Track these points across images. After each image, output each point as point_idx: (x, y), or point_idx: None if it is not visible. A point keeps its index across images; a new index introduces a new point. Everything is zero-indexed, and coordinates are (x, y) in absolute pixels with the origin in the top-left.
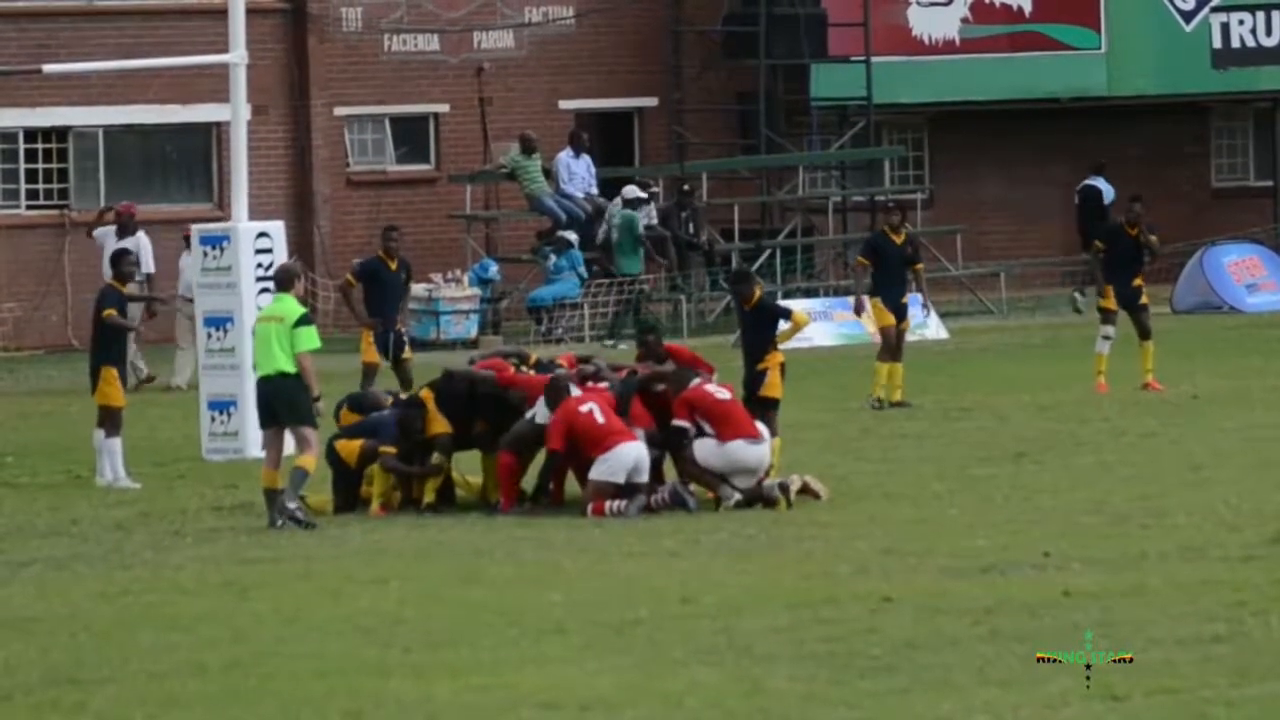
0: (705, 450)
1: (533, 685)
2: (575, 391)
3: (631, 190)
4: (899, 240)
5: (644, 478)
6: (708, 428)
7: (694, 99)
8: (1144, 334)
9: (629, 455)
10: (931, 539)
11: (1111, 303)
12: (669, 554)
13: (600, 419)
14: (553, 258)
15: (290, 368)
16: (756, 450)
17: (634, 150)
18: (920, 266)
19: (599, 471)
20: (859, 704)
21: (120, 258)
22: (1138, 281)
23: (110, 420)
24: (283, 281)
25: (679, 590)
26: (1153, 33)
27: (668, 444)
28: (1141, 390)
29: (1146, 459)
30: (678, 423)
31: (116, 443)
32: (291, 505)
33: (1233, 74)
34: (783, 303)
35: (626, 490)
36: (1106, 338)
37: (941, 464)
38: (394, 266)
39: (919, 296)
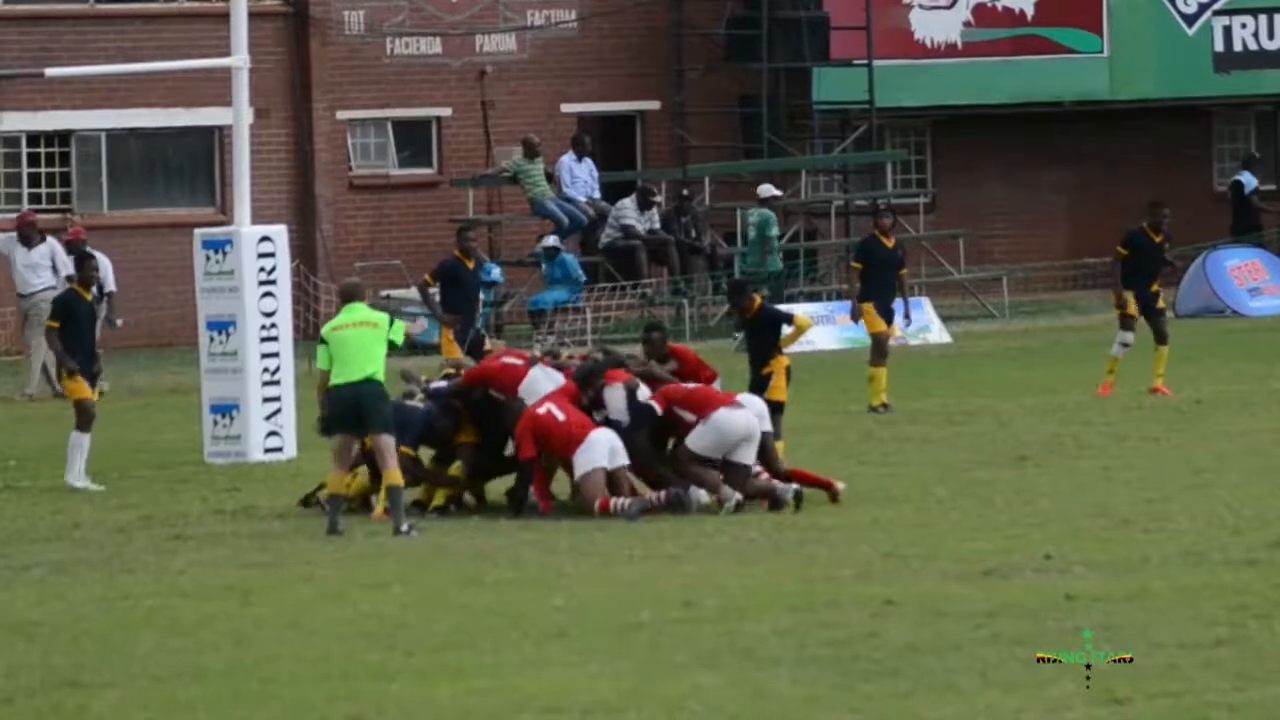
0: (695, 436)
1: (534, 689)
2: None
3: (766, 189)
4: (890, 244)
5: (623, 459)
6: (689, 416)
7: (696, 102)
8: (1160, 339)
9: (604, 438)
10: (933, 542)
11: (1134, 309)
12: (671, 558)
13: (560, 416)
14: (544, 265)
15: (382, 375)
16: (741, 415)
17: (636, 154)
18: (905, 272)
19: (582, 463)
20: (861, 707)
21: (84, 262)
22: (1155, 287)
23: (82, 415)
24: (352, 294)
25: (681, 594)
26: (1155, 36)
27: (636, 419)
28: (1149, 394)
29: (1149, 463)
30: (648, 402)
31: (86, 439)
32: (405, 527)
33: (1235, 77)
34: (783, 307)
35: (613, 479)
36: (1125, 344)
37: (944, 468)
38: (471, 265)
39: (921, 301)
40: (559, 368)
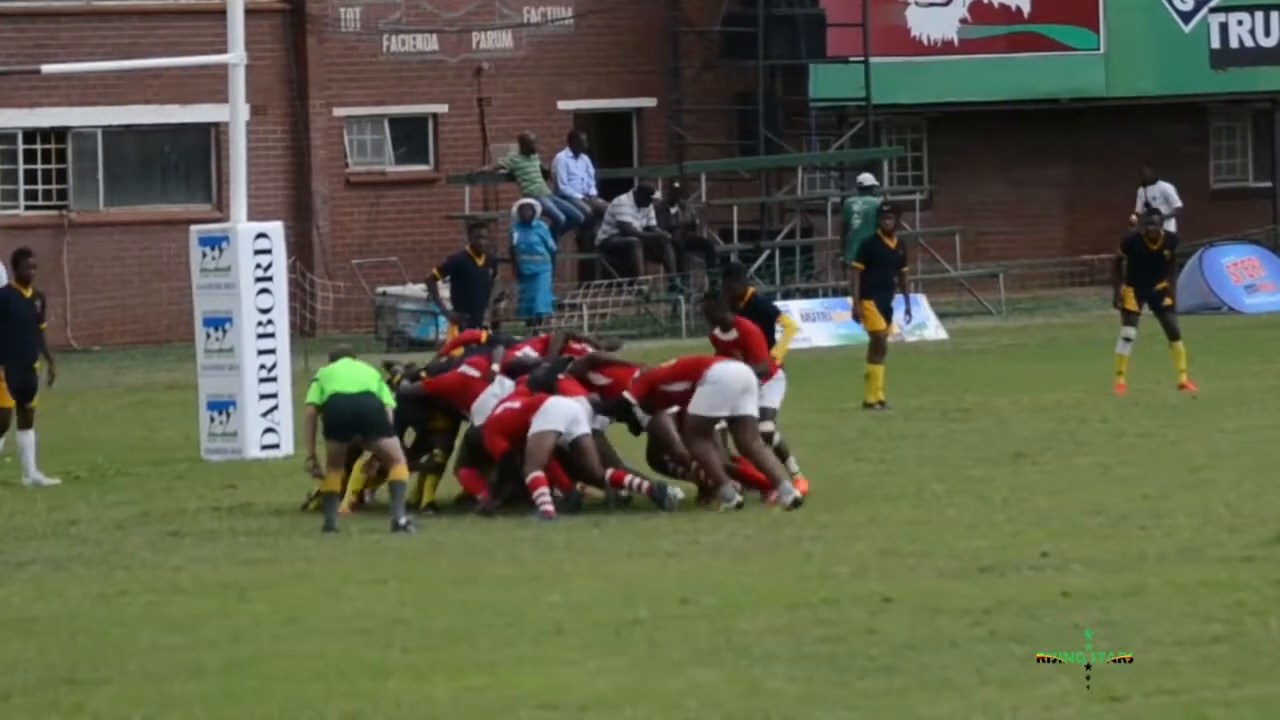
0: (699, 399)
1: (531, 686)
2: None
3: (867, 177)
4: (892, 244)
5: (584, 428)
6: (680, 386)
7: (693, 99)
8: (1172, 335)
9: (566, 405)
10: (930, 540)
11: (1133, 303)
12: (668, 554)
13: (517, 405)
14: (515, 235)
15: (374, 391)
16: (735, 365)
17: (633, 151)
18: (906, 269)
19: (539, 423)
20: (858, 705)
21: (21, 259)
22: (1161, 285)
23: None
24: (342, 354)
25: (678, 591)
26: (1151, 33)
27: (610, 412)
28: (1177, 391)
29: (1145, 460)
30: (625, 395)
31: None
32: (403, 520)
33: (1231, 74)
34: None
35: (574, 449)
36: (1127, 339)
37: (940, 465)
38: (481, 262)
39: (918, 298)
40: (518, 369)
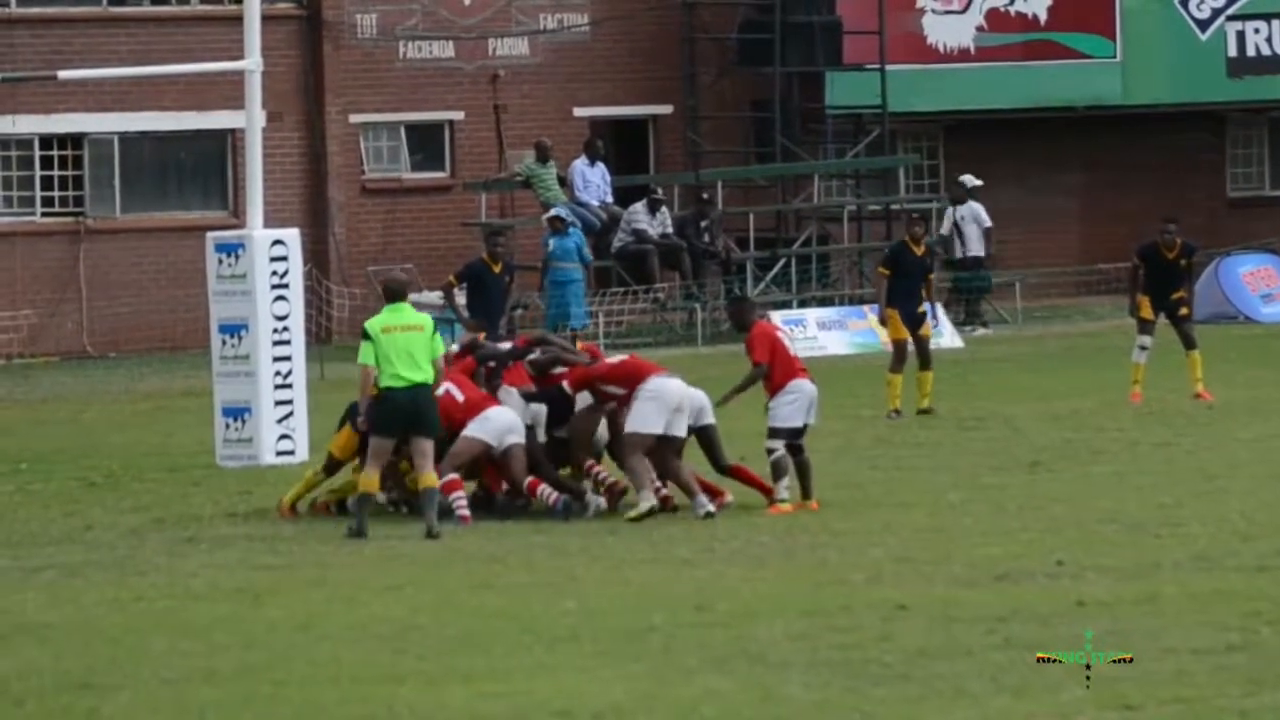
0: (635, 415)
1: (546, 693)
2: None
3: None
4: (920, 251)
5: (517, 439)
6: (616, 389)
7: (709, 107)
8: (1188, 344)
9: (504, 417)
10: (945, 547)
11: (1149, 312)
12: (682, 561)
13: (460, 396)
14: (551, 243)
15: (430, 379)
16: (674, 381)
17: (649, 158)
18: (932, 276)
19: (473, 429)
20: (873, 712)
21: None
22: (1177, 295)
23: None
24: (399, 292)
25: (693, 598)
26: (1168, 41)
27: (541, 399)
28: (1193, 400)
29: (1161, 468)
30: (564, 386)
31: None
32: (437, 530)
33: (1248, 82)
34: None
35: (504, 457)
36: (1143, 348)
37: (956, 473)
38: (498, 269)
39: (934, 305)
40: (474, 347)
